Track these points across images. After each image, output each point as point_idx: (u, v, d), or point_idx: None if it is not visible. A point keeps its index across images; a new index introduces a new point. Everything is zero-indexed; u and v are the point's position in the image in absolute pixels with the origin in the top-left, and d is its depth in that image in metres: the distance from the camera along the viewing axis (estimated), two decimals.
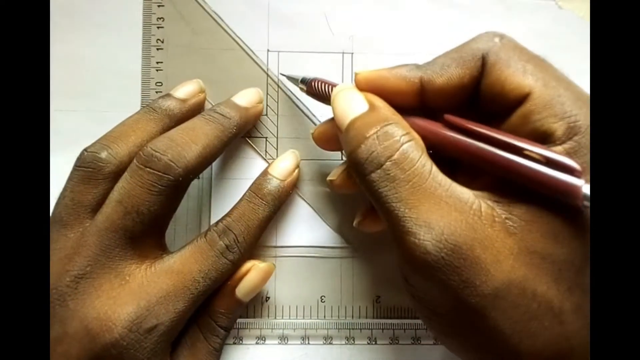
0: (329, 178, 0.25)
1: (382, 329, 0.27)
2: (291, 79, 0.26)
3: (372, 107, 0.20)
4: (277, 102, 0.27)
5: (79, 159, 0.22)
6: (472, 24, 0.28)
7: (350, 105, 0.20)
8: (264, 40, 0.27)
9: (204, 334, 0.24)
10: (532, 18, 0.28)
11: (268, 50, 0.27)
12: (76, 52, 0.27)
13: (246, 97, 0.25)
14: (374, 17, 0.28)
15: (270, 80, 0.27)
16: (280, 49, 0.27)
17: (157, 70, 0.27)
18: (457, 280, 0.17)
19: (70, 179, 0.22)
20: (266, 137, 0.27)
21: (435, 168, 0.18)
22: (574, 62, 0.27)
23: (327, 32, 0.28)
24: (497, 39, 0.19)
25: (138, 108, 0.27)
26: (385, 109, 0.20)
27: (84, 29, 0.27)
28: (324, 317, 0.27)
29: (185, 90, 0.25)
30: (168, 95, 0.25)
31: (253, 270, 0.24)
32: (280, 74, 0.27)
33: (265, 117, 0.27)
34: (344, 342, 0.27)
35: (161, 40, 0.27)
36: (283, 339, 0.27)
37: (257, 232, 0.24)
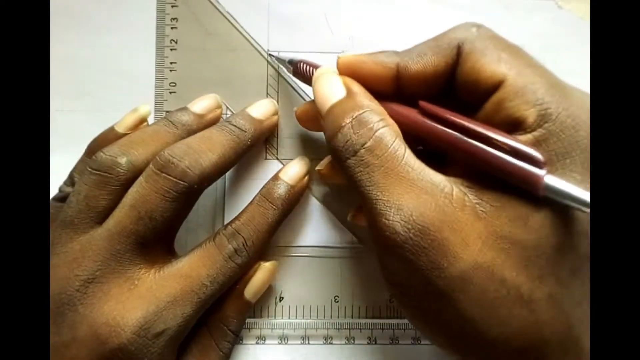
0: (317, 168, 0.25)
1: (382, 329, 0.27)
2: (279, 59, 0.26)
3: (349, 92, 0.21)
4: (277, 102, 0.27)
5: (95, 161, 0.22)
6: None
7: (329, 90, 0.21)
8: (263, 41, 0.27)
9: (215, 339, 0.24)
10: (531, 18, 0.28)
11: (268, 51, 0.27)
12: (76, 52, 0.27)
13: (261, 109, 0.25)
14: (373, 17, 0.28)
15: (270, 80, 0.27)
16: (280, 50, 0.27)
17: (170, 70, 0.27)
18: (425, 261, 0.17)
19: (84, 182, 0.22)
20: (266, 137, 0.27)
21: (408, 152, 0.19)
22: (574, 62, 0.27)
23: (327, 32, 0.28)
24: (474, 29, 0.20)
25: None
26: (361, 95, 0.20)
27: (85, 29, 0.27)
28: (327, 317, 0.27)
29: (203, 105, 0.25)
30: (185, 109, 0.25)
31: (259, 270, 0.25)
32: (269, 53, 0.27)
33: None
34: (344, 342, 0.27)
35: (175, 40, 0.27)
36: (283, 338, 0.27)
37: (266, 236, 0.24)
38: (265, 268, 0.25)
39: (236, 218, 0.24)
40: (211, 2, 0.27)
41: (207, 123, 0.25)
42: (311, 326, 0.27)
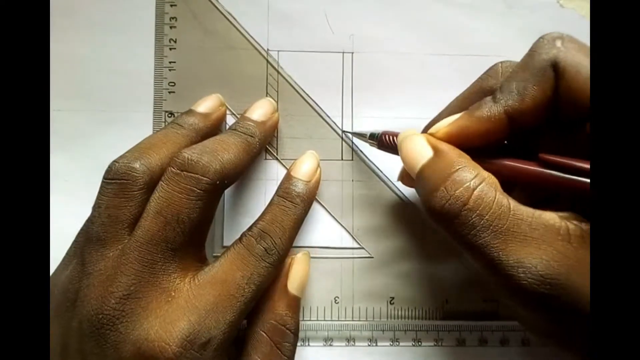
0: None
1: (383, 330, 0.26)
2: (358, 135, 0.26)
3: (437, 151, 0.20)
4: (277, 102, 0.27)
5: (109, 171, 0.21)
6: (472, 22, 0.28)
7: (416, 151, 0.21)
8: (263, 39, 0.27)
9: (276, 343, 0.23)
10: (533, 17, 0.28)
11: (268, 49, 0.27)
12: (76, 52, 0.27)
13: (261, 110, 0.26)
14: (374, 16, 0.28)
15: (270, 79, 0.27)
16: (280, 48, 0.27)
17: (169, 70, 0.27)
18: (559, 309, 0.17)
19: (102, 193, 0.21)
20: None
21: (513, 203, 0.18)
22: None
23: (327, 31, 0.28)
24: (558, 43, 0.19)
25: (139, 108, 0.27)
26: (450, 152, 0.20)
27: (85, 29, 0.27)
28: (327, 318, 0.27)
29: (207, 105, 0.25)
30: (190, 111, 0.25)
31: (295, 262, 0.25)
32: (344, 131, 0.27)
33: None
34: (344, 344, 0.26)
35: (174, 40, 0.27)
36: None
37: (292, 234, 0.24)
38: (299, 259, 0.25)
39: (259, 219, 0.23)
40: (210, 1, 0.27)
41: (213, 122, 0.25)
42: (311, 328, 0.26)
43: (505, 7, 0.28)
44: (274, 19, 0.27)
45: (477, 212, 0.18)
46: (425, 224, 0.27)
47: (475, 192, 0.18)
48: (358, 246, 0.27)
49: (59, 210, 0.26)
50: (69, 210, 0.26)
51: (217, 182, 0.21)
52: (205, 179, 0.21)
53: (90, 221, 0.22)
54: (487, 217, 0.18)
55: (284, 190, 0.24)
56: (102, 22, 0.27)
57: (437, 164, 0.20)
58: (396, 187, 0.27)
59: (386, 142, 0.24)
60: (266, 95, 0.27)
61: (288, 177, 0.25)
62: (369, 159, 0.27)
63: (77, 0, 0.27)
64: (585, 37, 0.27)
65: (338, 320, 0.27)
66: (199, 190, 0.21)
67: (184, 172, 0.21)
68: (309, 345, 0.26)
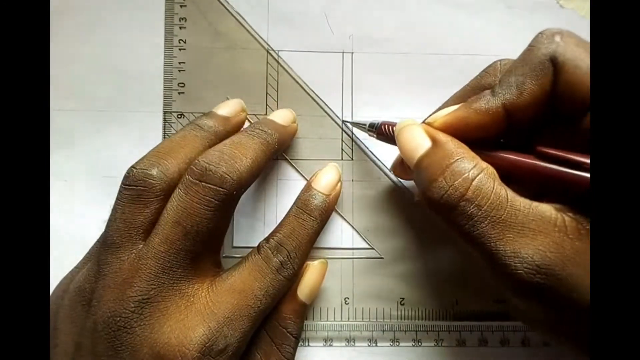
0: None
1: (383, 331, 0.26)
2: (357, 124, 0.26)
3: (435, 142, 0.20)
4: (277, 102, 0.27)
5: (127, 177, 0.21)
6: (472, 22, 0.28)
7: (414, 142, 0.21)
8: (263, 40, 0.27)
9: (277, 344, 0.23)
10: (533, 17, 0.28)
11: (268, 50, 0.27)
12: (76, 52, 0.27)
13: (282, 116, 0.26)
14: (374, 16, 0.28)
15: (270, 79, 0.27)
16: (280, 48, 0.27)
17: (179, 70, 0.27)
18: (554, 299, 0.17)
19: (119, 199, 0.21)
20: None
21: (511, 193, 0.18)
22: None
23: (327, 31, 0.28)
24: (557, 38, 0.19)
25: (137, 108, 0.27)
26: (449, 142, 0.20)
27: (84, 29, 0.27)
28: (348, 319, 0.27)
29: (229, 109, 0.25)
30: (211, 113, 0.25)
31: (308, 269, 0.25)
32: (344, 121, 0.27)
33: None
34: (344, 344, 0.26)
35: (183, 40, 0.27)
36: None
37: (308, 248, 0.24)
38: (314, 267, 0.25)
39: (277, 231, 0.23)
40: (220, 2, 0.27)
41: (233, 126, 0.25)
42: (312, 328, 0.26)
43: (505, 7, 0.28)
44: (274, 19, 0.27)
45: (475, 202, 0.18)
46: (430, 222, 0.27)
47: (474, 183, 0.18)
48: (366, 246, 0.27)
49: (59, 210, 0.26)
50: (69, 210, 0.26)
51: (234, 192, 0.21)
52: (222, 190, 0.20)
53: (106, 226, 0.21)
54: (485, 207, 0.18)
55: (303, 201, 0.24)
56: (106, 22, 0.27)
57: (436, 154, 0.20)
58: (396, 181, 0.27)
59: (385, 132, 0.24)
60: (266, 95, 0.27)
61: (308, 188, 0.25)
62: (372, 154, 0.27)
63: (77, 0, 0.27)
64: (585, 37, 0.27)
65: (340, 321, 0.26)
66: (217, 202, 0.20)
67: (202, 183, 0.20)
68: (308, 345, 0.26)
